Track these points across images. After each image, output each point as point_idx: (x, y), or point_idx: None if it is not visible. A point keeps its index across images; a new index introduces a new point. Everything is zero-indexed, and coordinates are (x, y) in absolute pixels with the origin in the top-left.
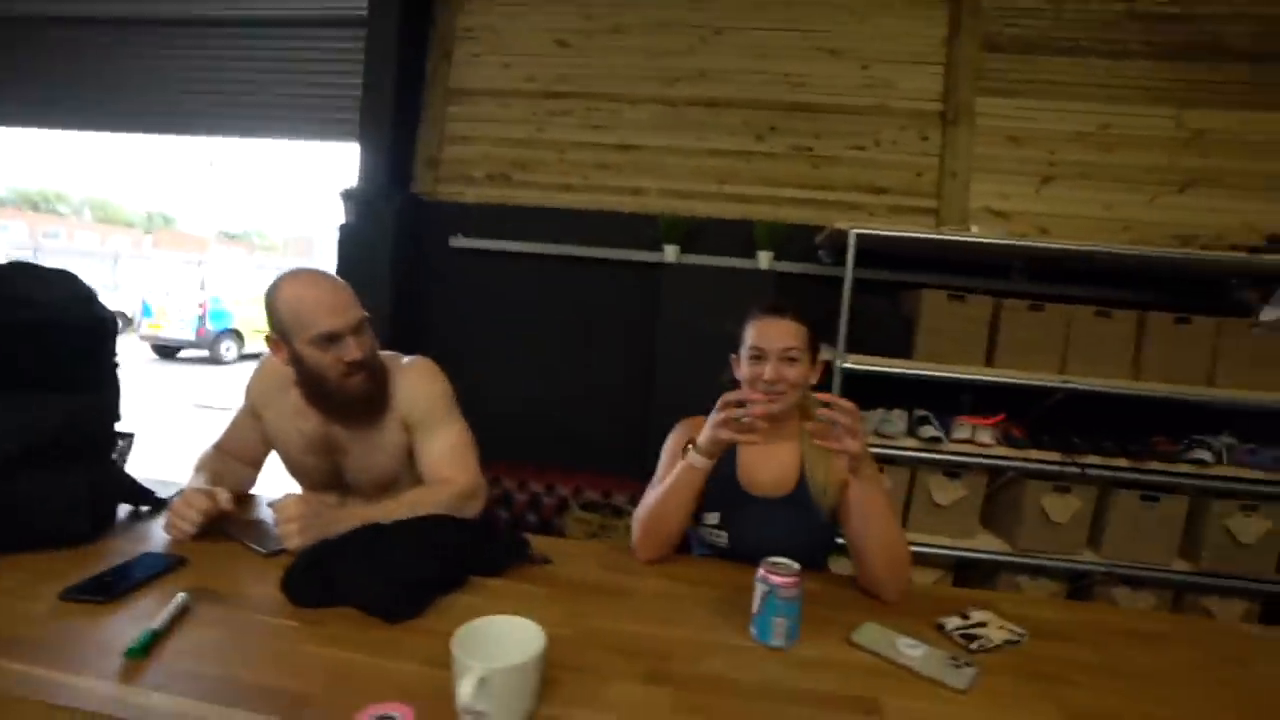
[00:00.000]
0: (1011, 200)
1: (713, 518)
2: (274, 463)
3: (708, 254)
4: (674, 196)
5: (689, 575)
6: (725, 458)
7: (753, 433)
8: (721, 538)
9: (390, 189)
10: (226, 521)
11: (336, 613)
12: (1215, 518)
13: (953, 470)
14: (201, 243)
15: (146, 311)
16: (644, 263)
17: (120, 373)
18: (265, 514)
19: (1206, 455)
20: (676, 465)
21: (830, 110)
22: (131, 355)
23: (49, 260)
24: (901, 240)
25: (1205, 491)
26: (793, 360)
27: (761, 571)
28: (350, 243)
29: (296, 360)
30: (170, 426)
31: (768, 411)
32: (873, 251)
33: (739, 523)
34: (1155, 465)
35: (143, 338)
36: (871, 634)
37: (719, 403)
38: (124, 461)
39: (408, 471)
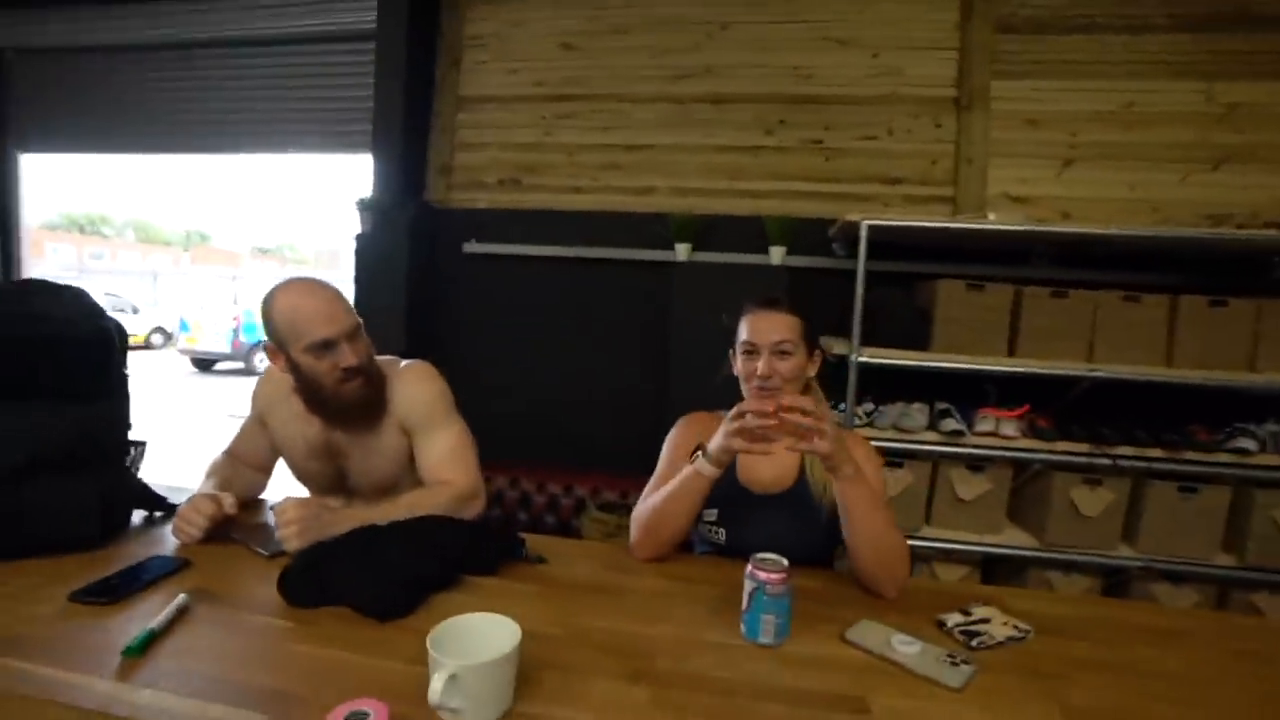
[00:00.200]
0: (1031, 185)
1: (711, 514)
2: (284, 468)
3: (719, 251)
4: (684, 195)
5: (685, 573)
6: None
7: (766, 442)
8: (719, 535)
9: (404, 198)
10: (232, 525)
11: (331, 613)
12: (1261, 509)
13: (976, 464)
14: (235, 258)
15: (184, 326)
16: (655, 262)
17: (130, 383)
18: (270, 518)
19: (1250, 444)
20: (682, 467)
21: (840, 101)
22: (171, 368)
23: (95, 280)
24: (915, 230)
25: (1248, 481)
26: (786, 354)
27: (750, 568)
28: (367, 252)
29: (294, 368)
30: (205, 435)
31: (762, 407)
32: (888, 243)
33: (737, 520)
34: (1192, 455)
35: (181, 351)
36: (866, 631)
37: (731, 412)
38: (136, 468)
39: (409, 474)
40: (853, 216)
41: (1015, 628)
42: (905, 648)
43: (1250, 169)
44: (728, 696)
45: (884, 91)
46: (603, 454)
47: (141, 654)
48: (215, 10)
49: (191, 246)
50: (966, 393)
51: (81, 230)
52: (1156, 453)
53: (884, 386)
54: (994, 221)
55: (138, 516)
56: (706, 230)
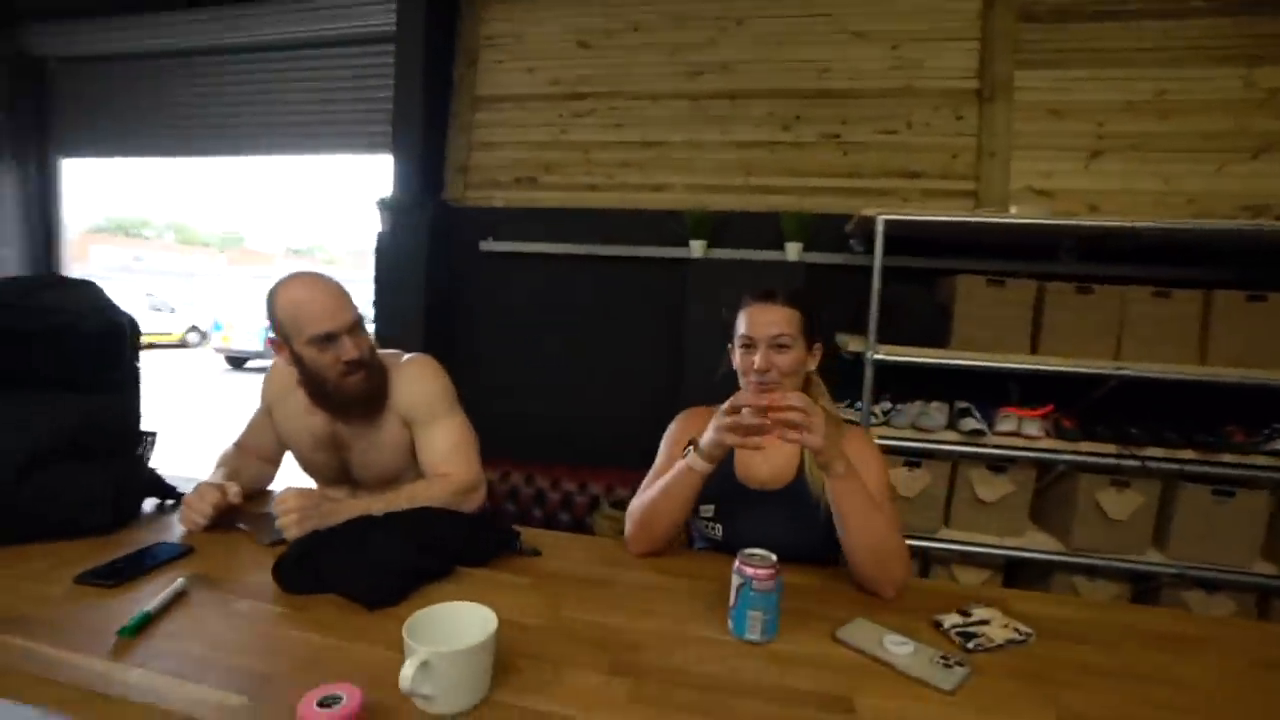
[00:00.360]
0: (1056, 178)
1: (708, 510)
2: (291, 461)
3: (735, 248)
4: (700, 191)
5: (678, 568)
6: None
7: (759, 435)
8: (716, 530)
9: (423, 197)
10: (237, 513)
11: (323, 599)
12: None
13: (998, 464)
14: (269, 259)
15: (217, 326)
16: (671, 259)
17: (141, 376)
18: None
19: None
20: (675, 461)
21: (858, 95)
22: (206, 366)
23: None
24: (933, 225)
25: None
26: (783, 347)
27: (737, 563)
28: (387, 251)
29: (297, 361)
30: (233, 430)
31: (755, 402)
32: (907, 238)
33: (734, 516)
34: (1229, 457)
35: (216, 350)
36: (858, 630)
37: (724, 406)
38: (147, 458)
39: (411, 467)
40: (869, 211)
41: (1016, 630)
42: (897, 648)
43: None
44: (707, 692)
45: (903, 84)
46: (618, 451)
47: (135, 635)
48: (245, 16)
49: (227, 248)
50: (987, 391)
51: (126, 233)
52: (1189, 454)
53: (902, 384)
54: (1014, 215)
55: (149, 504)
56: (722, 227)
